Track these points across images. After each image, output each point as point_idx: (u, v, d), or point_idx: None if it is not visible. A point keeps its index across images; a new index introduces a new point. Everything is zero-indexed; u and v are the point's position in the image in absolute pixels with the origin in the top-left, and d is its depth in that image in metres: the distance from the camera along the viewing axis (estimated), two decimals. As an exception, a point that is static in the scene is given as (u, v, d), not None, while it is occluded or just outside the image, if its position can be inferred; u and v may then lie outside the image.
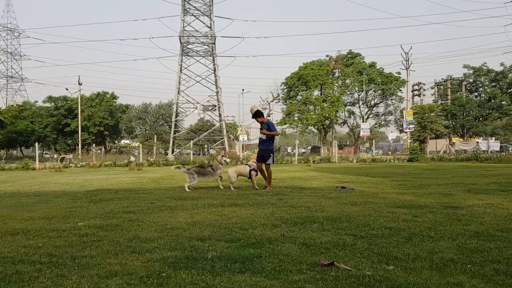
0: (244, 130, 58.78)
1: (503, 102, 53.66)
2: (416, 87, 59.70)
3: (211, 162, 10.53)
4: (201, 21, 53.85)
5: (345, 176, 14.66)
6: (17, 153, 70.91)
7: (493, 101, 54.03)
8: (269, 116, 67.42)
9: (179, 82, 52.76)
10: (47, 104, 61.09)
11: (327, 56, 58.68)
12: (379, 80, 54.59)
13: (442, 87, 60.90)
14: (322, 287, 3.11)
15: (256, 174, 10.26)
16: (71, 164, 30.48)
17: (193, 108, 54.41)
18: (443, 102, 58.11)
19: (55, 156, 46.65)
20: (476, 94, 58.37)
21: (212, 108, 54.91)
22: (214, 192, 9.33)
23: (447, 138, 52.98)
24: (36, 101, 67.42)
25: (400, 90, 55.81)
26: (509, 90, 54.22)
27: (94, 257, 3.92)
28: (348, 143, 72.21)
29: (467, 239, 4.47)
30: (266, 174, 10.22)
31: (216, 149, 52.36)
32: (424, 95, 60.08)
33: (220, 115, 54.91)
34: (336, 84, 56.99)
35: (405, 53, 51.27)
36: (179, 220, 5.79)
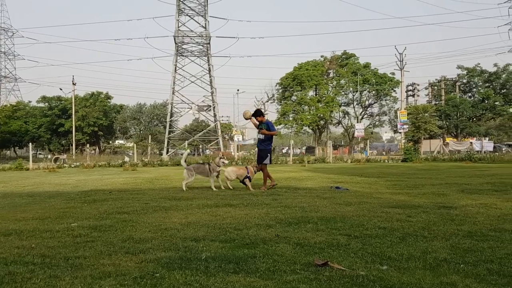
0: (239, 131, 58.70)
1: (496, 103, 53.97)
2: (410, 87, 59.92)
3: (210, 162, 10.55)
4: (195, 21, 53.79)
5: (339, 176, 14.69)
6: (11, 154, 70.43)
7: (486, 101, 54.34)
8: (252, 116, 67.34)
9: (174, 82, 52.65)
10: (41, 104, 60.76)
11: (321, 56, 58.86)
12: (374, 80, 54.76)
13: (436, 87, 61.16)
14: (316, 287, 3.11)
15: (250, 180, 10.22)
16: (65, 165, 30.35)
17: (188, 108, 54.36)
18: (437, 102, 58.37)
19: (49, 156, 46.45)
20: (469, 94, 58.67)
21: (207, 109, 54.85)
22: (208, 193, 9.32)
23: (441, 139, 53.18)
24: (30, 101, 67.03)
25: (394, 91, 56.10)
26: (503, 91, 54.55)
27: (88, 258, 3.90)
28: (342, 143, 72.38)
29: (460, 239, 4.49)
30: (263, 174, 10.24)
31: (211, 149, 52.32)
32: (418, 96, 60.32)
33: (215, 115, 54.85)
34: (331, 85, 57.10)
35: (399, 53, 51.59)
36: (173, 221, 5.77)
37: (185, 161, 10.90)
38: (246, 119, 10.91)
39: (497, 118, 57.96)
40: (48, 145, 59.49)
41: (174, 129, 56.25)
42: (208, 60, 53.56)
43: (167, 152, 49.90)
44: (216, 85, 54.75)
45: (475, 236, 4.64)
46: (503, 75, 54.24)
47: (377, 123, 59.32)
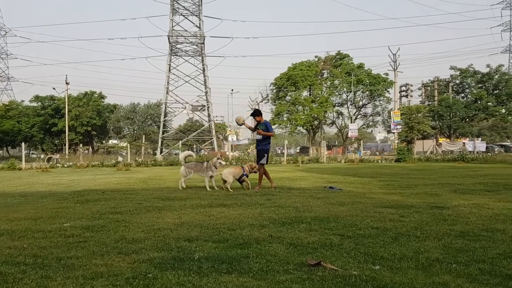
0: (233, 131, 58.66)
1: (489, 103, 54.29)
2: (403, 88, 60.14)
3: (208, 161, 10.58)
4: (190, 20, 53.72)
5: (333, 176, 14.72)
6: (3, 153, 69.91)
7: (479, 102, 54.64)
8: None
9: (168, 82, 52.53)
10: (34, 104, 60.37)
11: (316, 57, 58.87)
12: (367, 81, 54.90)
13: (429, 88, 61.40)
14: (309, 287, 3.12)
15: (247, 177, 10.29)
16: (58, 164, 30.17)
17: (182, 108, 54.24)
18: (430, 103, 58.61)
19: (42, 156, 46.16)
20: (462, 95, 58.97)
21: (201, 108, 54.77)
22: (202, 193, 9.31)
23: (434, 139, 53.45)
24: (22, 101, 66.48)
25: (388, 91, 56.23)
26: (495, 92, 54.87)
27: (80, 258, 3.89)
28: (336, 143, 72.55)
29: (452, 239, 4.51)
30: (259, 174, 10.27)
31: (206, 150, 52.21)
32: (411, 96, 60.55)
33: (209, 115, 54.78)
34: (325, 85, 57.16)
35: (393, 54, 51.81)
36: (166, 221, 5.76)
37: (185, 158, 10.96)
38: (240, 124, 10.97)
39: (489, 118, 58.30)
40: (41, 145, 59.14)
41: (168, 129, 56.12)
42: (202, 60, 53.49)
43: (161, 152, 49.78)
44: (210, 85, 54.77)
45: (467, 236, 4.66)
46: (496, 76, 54.57)
47: (370, 123, 59.46)
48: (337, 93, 57.15)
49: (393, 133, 49.38)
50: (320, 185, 11.06)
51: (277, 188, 9.99)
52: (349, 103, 57.52)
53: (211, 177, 10.27)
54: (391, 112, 49.15)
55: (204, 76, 53.58)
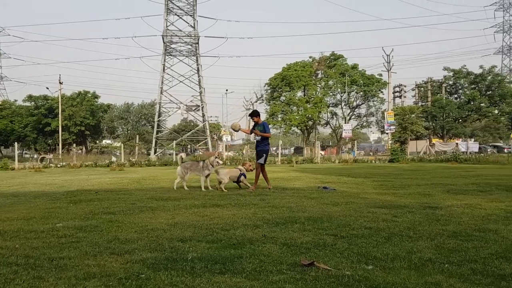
0: (228, 131, 58.56)
1: (482, 104, 54.64)
2: (397, 89, 60.38)
3: (205, 161, 10.58)
4: (184, 20, 53.59)
5: (327, 176, 14.75)
6: (-4, 153, 69.50)
7: (472, 103, 54.96)
8: (249, 116, 67.38)
9: (162, 82, 52.38)
10: (27, 103, 60.04)
11: (310, 57, 58.96)
12: (361, 81, 55.07)
13: (422, 89, 61.69)
14: (302, 287, 3.12)
15: (245, 177, 10.30)
16: (51, 164, 30.00)
17: (176, 108, 54.10)
18: (424, 103, 58.88)
19: (35, 156, 45.90)
20: (455, 96, 59.30)
21: (195, 108, 54.66)
22: (196, 193, 9.29)
23: (427, 139, 53.66)
24: (15, 100, 66.10)
25: (382, 92, 56.45)
26: (488, 93, 55.23)
27: (72, 259, 3.87)
28: (330, 144, 72.68)
29: (445, 239, 4.53)
30: (255, 173, 10.31)
31: (202, 150, 52.11)
32: (405, 97, 60.81)
33: (203, 115, 54.69)
34: (319, 85, 57.26)
35: (387, 55, 52.06)
36: (160, 221, 5.75)
37: (181, 158, 10.97)
38: (236, 131, 11.01)
39: (482, 119, 58.69)
40: (34, 145, 58.82)
41: (162, 129, 55.96)
42: (197, 60, 53.39)
43: (154, 152, 49.63)
44: (205, 85, 54.70)
45: (459, 236, 4.69)
46: (489, 77, 54.92)
47: (364, 124, 59.69)
48: (331, 94, 57.30)
49: (387, 133, 49.59)
50: (314, 185, 11.08)
51: (271, 189, 10.00)
52: (343, 104, 57.71)
53: (206, 176, 10.27)
54: (385, 113, 49.37)
55: (199, 76, 53.50)
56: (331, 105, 58.09)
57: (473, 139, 50.55)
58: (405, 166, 24.56)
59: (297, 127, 56.88)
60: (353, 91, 56.34)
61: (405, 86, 60.94)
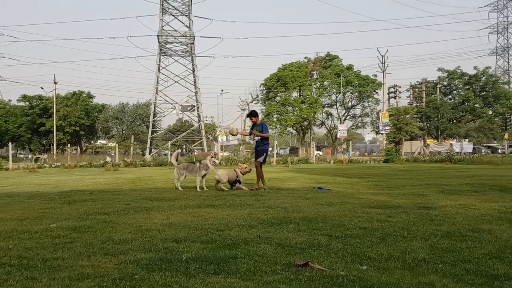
0: (223, 131, 58.52)
1: (476, 105, 54.92)
2: (392, 89, 60.58)
3: (201, 161, 10.57)
4: (180, 20, 53.56)
5: (322, 177, 14.77)
6: (-10, 153, 69.10)
7: (466, 103, 55.25)
8: (248, 116, 67.41)
9: (157, 82, 52.30)
10: (22, 103, 59.80)
11: (305, 58, 59.08)
12: (356, 82, 55.24)
13: (417, 89, 61.96)
14: (296, 288, 3.12)
15: (240, 183, 10.26)
16: (45, 165, 29.89)
17: (171, 108, 54.02)
18: (418, 104, 59.14)
19: (30, 156, 45.69)
20: (450, 96, 59.60)
21: (190, 109, 54.60)
22: (191, 193, 9.27)
23: (422, 140, 53.91)
24: (10, 100, 65.78)
25: (377, 93, 56.67)
26: (482, 93, 55.53)
27: (66, 259, 3.85)
28: (326, 144, 72.80)
29: (439, 239, 4.55)
30: (257, 172, 10.35)
31: (197, 150, 52.04)
32: (399, 98, 61.03)
33: (199, 116, 54.65)
34: (315, 86, 57.38)
35: (382, 56, 52.17)
36: (154, 222, 5.73)
37: (176, 160, 10.94)
38: (234, 135, 11.05)
39: (476, 120, 59.01)
40: (28, 145, 58.57)
41: (157, 129, 55.89)
42: (192, 60, 53.35)
43: (150, 153, 49.55)
44: (200, 85, 54.68)
45: (453, 236, 4.70)
46: (483, 78, 55.24)
47: (359, 124, 59.86)
48: (326, 94, 57.44)
49: (382, 134, 49.71)
50: (309, 186, 11.09)
51: (266, 189, 10.01)
52: (338, 104, 57.86)
53: (203, 177, 10.26)
54: (380, 113, 49.48)
55: (194, 76, 53.46)
56: (326, 105, 58.28)
57: (467, 140, 50.87)
58: (400, 166, 24.64)
59: (292, 127, 56.97)
60: (348, 91, 56.51)
61: (399, 87, 61.17)
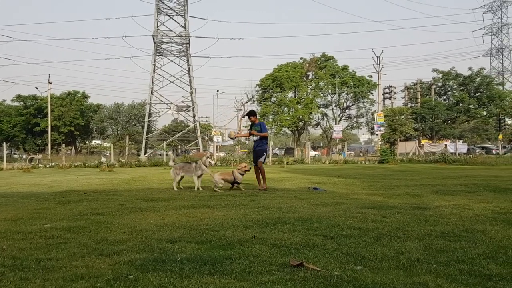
0: (219, 131, 58.50)
1: (470, 106, 55.19)
2: (387, 90, 60.83)
3: (198, 161, 10.56)
4: (175, 20, 53.37)
5: (317, 177, 14.80)
6: (-17, 153, 68.66)
7: (461, 104, 55.48)
8: (243, 117, 67.46)
9: (153, 82, 52.11)
10: (16, 103, 59.43)
11: (301, 58, 59.16)
12: (352, 83, 55.37)
13: (412, 90, 62.19)
14: (291, 288, 3.12)
15: (239, 183, 10.24)
16: (40, 165, 29.72)
17: (166, 108, 53.87)
18: (413, 105, 59.36)
19: (24, 156, 45.44)
20: (444, 97, 59.86)
21: (186, 109, 54.47)
22: (186, 194, 9.27)
23: (416, 141, 54.08)
24: (4, 100, 65.31)
25: (372, 93, 56.80)
26: (476, 94, 55.80)
27: (60, 260, 3.83)
28: (321, 144, 72.91)
29: (433, 240, 4.56)
30: (260, 172, 10.38)
31: (193, 151, 51.94)
32: (394, 98, 61.32)
33: (194, 116, 54.51)
34: (310, 87, 57.47)
35: (377, 57, 52.32)
36: (149, 222, 5.72)
37: (173, 161, 10.93)
38: (233, 138, 11.10)
39: (471, 120, 59.26)
40: (23, 145, 58.25)
41: (153, 129, 55.71)
42: (188, 60, 53.22)
43: (145, 153, 49.38)
44: (196, 85, 54.49)
45: (447, 236, 4.72)
46: (477, 79, 55.52)
47: (354, 125, 59.98)
48: (322, 95, 57.52)
49: (377, 134, 49.81)
50: (304, 186, 11.11)
51: (261, 190, 10.01)
52: (333, 105, 57.97)
53: (199, 177, 10.26)
54: (375, 114, 49.60)
55: (189, 77, 53.33)
56: (321, 106, 58.37)
57: (461, 140, 51.09)
58: (395, 167, 24.72)
59: (288, 127, 57.02)
60: (343, 92, 56.64)
61: (394, 88, 61.49)
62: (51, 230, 5.22)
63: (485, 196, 8.45)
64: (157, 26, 52.28)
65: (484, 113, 56.24)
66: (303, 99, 54.73)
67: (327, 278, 3.28)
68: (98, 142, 71.27)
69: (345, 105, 58.28)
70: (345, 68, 56.62)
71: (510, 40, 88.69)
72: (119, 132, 59.79)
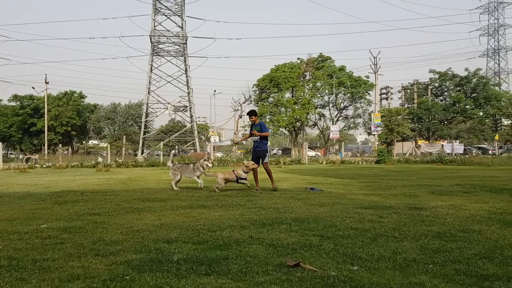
0: (216, 131, 58.48)
1: (467, 106, 55.38)
2: (384, 90, 60.90)
3: (196, 163, 10.58)
4: (172, 20, 53.42)
5: (314, 177, 14.80)
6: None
7: (457, 105, 55.66)
8: (240, 117, 67.47)
9: (150, 82, 52.12)
10: (13, 103, 59.36)
11: (298, 59, 59.23)
12: (349, 83, 55.45)
13: (408, 91, 62.33)
14: (288, 288, 3.12)
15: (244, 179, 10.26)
16: (36, 165, 29.62)
17: (163, 108, 53.86)
18: (410, 105, 59.50)
19: (20, 156, 45.29)
20: (441, 98, 60.04)
21: (183, 109, 54.48)
22: (183, 194, 9.26)
23: (413, 141, 54.12)
24: (0, 100, 65.25)
25: (369, 94, 56.90)
26: (473, 95, 55.99)
27: (56, 260, 3.82)
28: (318, 145, 72.96)
29: (430, 240, 4.57)
30: (267, 173, 10.50)
31: (191, 151, 51.89)
32: (391, 99, 61.42)
33: (191, 116, 54.53)
34: (307, 87, 57.54)
35: (374, 57, 52.30)
36: (146, 222, 5.71)
37: (172, 161, 10.93)
38: (236, 143, 11.13)
39: (467, 121, 59.44)
40: (19, 145, 58.09)
41: (150, 129, 55.69)
42: (185, 60, 53.23)
43: (142, 153, 49.36)
44: (193, 85, 54.54)
45: (444, 236, 4.73)
46: (474, 80, 55.72)
47: (351, 125, 60.10)
48: (319, 95, 57.62)
49: (374, 135, 49.89)
50: (301, 186, 11.12)
51: (259, 190, 10.02)
52: (330, 105, 58.06)
53: (198, 177, 10.28)
54: (372, 114, 49.65)
55: (187, 77, 53.35)
56: (319, 106, 58.44)
57: (458, 141, 51.16)
58: (391, 167, 24.76)
59: (285, 128, 57.06)
60: (340, 92, 56.74)
61: (391, 88, 61.54)
62: (47, 230, 5.20)
63: (481, 197, 8.47)
64: (154, 26, 52.30)
65: (481, 113, 56.48)
66: (300, 100, 54.79)
67: (324, 278, 3.28)
68: (95, 142, 71.16)
69: (342, 105, 58.37)
70: (342, 69, 56.72)
71: (506, 41, 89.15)
72: (116, 132, 59.73)
